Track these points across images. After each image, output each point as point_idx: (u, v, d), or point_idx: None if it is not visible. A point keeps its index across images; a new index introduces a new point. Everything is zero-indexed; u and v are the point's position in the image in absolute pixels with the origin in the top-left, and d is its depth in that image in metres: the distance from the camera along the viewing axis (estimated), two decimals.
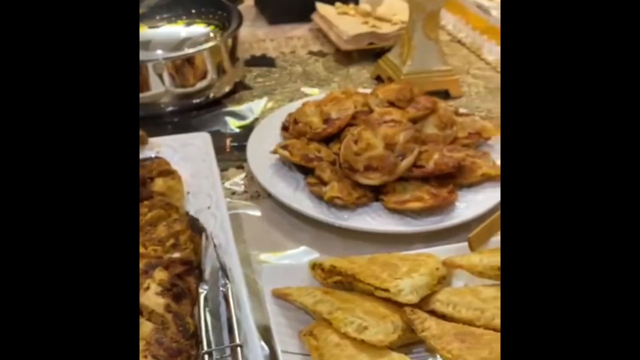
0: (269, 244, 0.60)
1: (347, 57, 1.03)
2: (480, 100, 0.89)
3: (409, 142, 0.59)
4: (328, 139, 0.67)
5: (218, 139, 0.78)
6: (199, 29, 0.89)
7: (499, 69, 0.98)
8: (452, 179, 0.62)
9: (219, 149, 0.76)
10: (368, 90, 0.76)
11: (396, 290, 0.44)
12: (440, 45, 0.88)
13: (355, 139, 0.61)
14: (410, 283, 0.45)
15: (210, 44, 0.84)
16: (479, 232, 0.52)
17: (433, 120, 0.68)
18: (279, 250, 0.59)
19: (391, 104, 0.68)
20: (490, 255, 0.49)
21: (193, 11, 0.92)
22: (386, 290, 0.45)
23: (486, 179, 0.63)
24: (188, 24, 0.90)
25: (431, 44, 0.86)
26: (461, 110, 0.74)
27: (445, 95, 0.88)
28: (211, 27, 0.90)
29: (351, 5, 1.13)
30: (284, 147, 0.64)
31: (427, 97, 0.70)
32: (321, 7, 1.12)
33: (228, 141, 0.77)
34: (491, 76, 0.96)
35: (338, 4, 1.13)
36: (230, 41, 0.88)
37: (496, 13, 1.02)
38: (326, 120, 0.66)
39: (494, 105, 0.87)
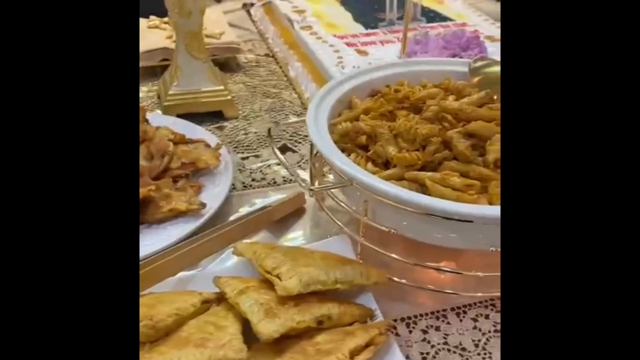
0: None
1: (151, 73, 0.99)
2: (257, 121, 0.86)
3: None
4: None
5: None
6: None
7: (295, 86, 0.95)
8: None
9: None
10: None
11: None
12: (210, 65, 0.84)
13: None
14: None
15: None
16: None
17: (141, 150, 0.64)
18: None
19: None
20: None
21: None
22: None
23: (176, 214, 0.59)
24: None
25: (198, 63, 0.82)
26: (191, 137, 0.71)
27: (220, 115, 0.85)
28: None
29: (165, 19, 1.09)
30: None
31: (140, 127, 0.66)
32: None
33: None
34: (284, 95, 0.93)
35: (152, 17, 1.09)
36: None
37: (297, 27, 0.99)
38: None
39: (263, 127, 0.84)
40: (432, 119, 0.54)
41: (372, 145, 0.54)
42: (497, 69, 0.66)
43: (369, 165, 0.53)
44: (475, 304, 0.53)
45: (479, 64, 0.67)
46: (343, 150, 0.55)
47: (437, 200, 0.45)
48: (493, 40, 0.94)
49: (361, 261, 0.53)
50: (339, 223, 0.55)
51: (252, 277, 0.50)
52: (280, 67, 1.02)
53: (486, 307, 0.53)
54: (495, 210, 0.44)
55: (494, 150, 0.51)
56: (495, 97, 0.59)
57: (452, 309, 0.53)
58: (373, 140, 0.54)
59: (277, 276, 0.47)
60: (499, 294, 0.53)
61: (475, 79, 0.65)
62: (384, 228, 0.50)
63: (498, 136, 0.52)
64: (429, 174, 0.50)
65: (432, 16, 1.05)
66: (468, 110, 0.55)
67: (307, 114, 0.57)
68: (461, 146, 0.51)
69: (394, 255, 0.51)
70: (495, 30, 1.00)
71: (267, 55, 1.08)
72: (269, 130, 0.56)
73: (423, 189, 0.50)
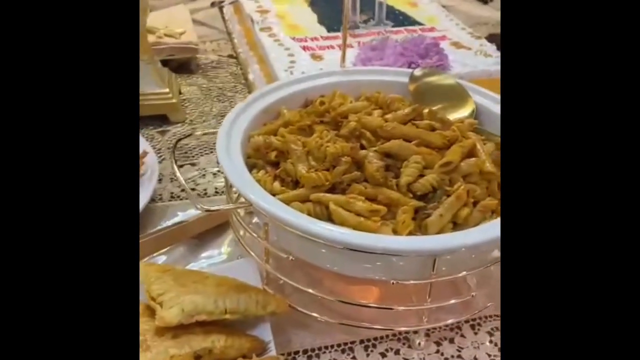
0: None
1: None
2: (203, 127, 0.82)
3: None
4: None
5: None
6: None
7: (252, 89, 0.91)
8: None
9: None
10: None
11: None
12: (156, 67, 0.81)
13: None
14: None
15: None
16: None
17: None
18: None
19: None
20: None
21: None
22: None
23: None
24: None
25: (142, 64, 0.79)
26: None
27: (165, 119, 0.82)
28: None
29: None
30: None
31: None
32: None
33: None
34: (238, 99, 0.90)
35: None
36: None
37: (257, 27, 0.96)
38: None
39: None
40: (349, 136, 0.51)
41: (282, 162, 0.50)
42: (436, 77, 0.62)
43: (276, 184, 0.49)
44: (387, 336, 0.49)
45: (420, 73, 0.63)
46: (254, 166, 0.52)
47: (323, 227, 0.41)
48: (459, 46, 0.90)
49: (265, 287, 0.50)
50: (245, 245, 0.51)
51: (141, 302, 0.47)
52: (241, 69, 0.99)
53: (398, 340, 0.49)
54: (387, 241, 0.41)
55: (408, 172, 0.47)
56: (425, 111, 0.55)
57: (362, 342, 0.49)
58: (285, 156, 0.50)
59: (161, 304, 0.43)
60: (415, 328, 0.48)
61: (412, 87, 0.60)
62: (281, 254, 0.46)
63: (415, 157, 0.48)
64: (335, 196, 0.46)
65: (401, 19, 1.01)
66: (389, 127, 0.51)
67: (222, 124, 0.53)
68: (372, 167, 0.47)
69: (293, 283, 0.47)
70: (464, 36, 0.95)
71: (230, 56, 1.05)
72: (175, 143, 0.52)
73: (329, 212, 0.46)
